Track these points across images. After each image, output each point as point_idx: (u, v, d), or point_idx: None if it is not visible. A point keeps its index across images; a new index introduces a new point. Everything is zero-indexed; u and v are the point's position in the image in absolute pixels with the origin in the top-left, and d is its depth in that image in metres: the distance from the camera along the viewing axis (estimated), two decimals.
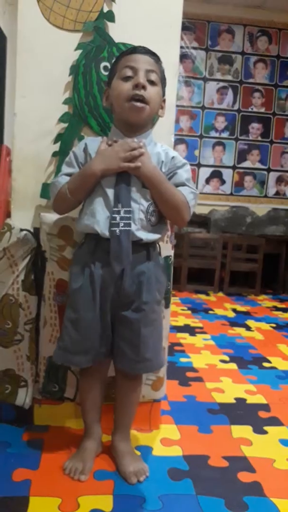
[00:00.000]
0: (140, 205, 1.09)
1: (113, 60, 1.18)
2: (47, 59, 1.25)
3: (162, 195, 1.09)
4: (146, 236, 1.10)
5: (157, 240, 1.16)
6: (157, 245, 1.19)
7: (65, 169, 1.15)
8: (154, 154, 1.13)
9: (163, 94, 1.15)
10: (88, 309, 1.10)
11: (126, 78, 1.08)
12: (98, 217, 1.08)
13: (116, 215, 1.06)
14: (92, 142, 1.15)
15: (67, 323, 1.13)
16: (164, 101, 1.17)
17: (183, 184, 1.12)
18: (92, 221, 1.09)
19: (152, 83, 1.09)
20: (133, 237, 1.08)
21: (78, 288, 1.11)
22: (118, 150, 1.07)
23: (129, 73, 1.07)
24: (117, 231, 1.06)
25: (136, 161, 1.06)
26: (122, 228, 1.06)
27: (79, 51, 1.25)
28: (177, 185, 1.11)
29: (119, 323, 1.13)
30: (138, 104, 1.06)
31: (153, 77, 1.09)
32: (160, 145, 1.17)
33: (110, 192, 1.08)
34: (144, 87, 1.06)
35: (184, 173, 1.13)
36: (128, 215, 1.07)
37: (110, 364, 1.23)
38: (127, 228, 1.06)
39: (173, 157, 1.14)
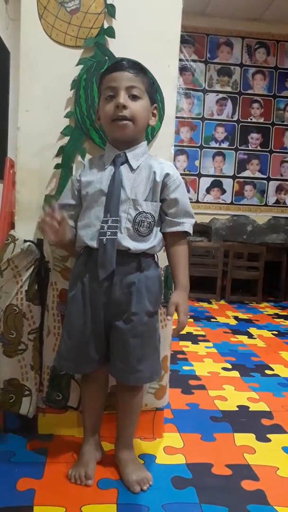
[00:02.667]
0: (127, 214, 1.10)
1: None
2: (49, 74, 1.28)
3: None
4: (133, 245, 1.10)
5: (150, 251, 1.14)
6: (154, 256, 1.18)
7: (60, 199, 1.20)
8: (146, 166, 1.14)
9: (153, 102, 1.17)
10: (78, 318, 1.13)
11: (109, 99, 1.10)
12: (90, 230, 1.11)
13: (105, 225, 1.09)
14: (87, 167, 1.19)
15: (63, 330, 1.19)
16: (155, 108, 1.18)
17: (180, 214, 1.14)
18: (85, 235, 1.12)
19: (134, 97, 1.10)
20: (119, 245, 1.09)
21: (71, 297, 1.15)
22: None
23: (110, 93, 1.10)
24: (104, 240, 1.08)
25: (184, 321, 1.12)
26: (109, 237, 1.08)
27: (81, 66, 1.28)
28: (176, 214, 1.14)
29: (112, 333, 1.14)
30: (120, 122, 1.09)
31: (136, 91, 1.10)
32: (155, 158, 1.18)
33: (102, 204, 1.11)
34: (125, 107, 1.08)
35: (181, 198, 1.14)
36: (115, 224, 1.09)
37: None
38: (113, 237, 1.08)
39: (168, 174, 1.13)
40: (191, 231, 1.16)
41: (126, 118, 1.09)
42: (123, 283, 1.11)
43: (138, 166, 1.13)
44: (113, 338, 1.14)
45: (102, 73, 1.16)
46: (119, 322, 1.12)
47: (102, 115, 1.13)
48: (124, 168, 1.13)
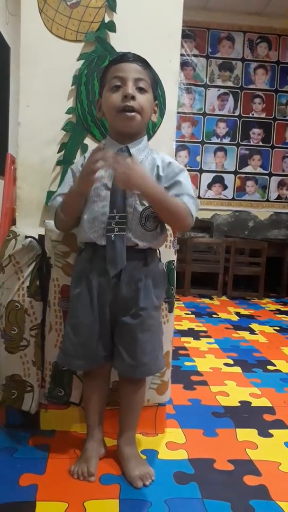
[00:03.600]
0: (134, 209, 1.10)
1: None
2: (50, 69, 1.27)
3: (161, 205, 1.07)
4: (141, 241, 1.11)
5: (155, 246, 1.16)
6: (157, 251, 1.20)
7: (59, 189, 1.19)
8: (148, 161, 1.14)
9: (155, 99, 1.16)
10: (86, 315, 1.13)
11: (115, 89, 1.09)
12: (95, 226, 1.10)
13: (112, 221, 1.08)
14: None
15: (68, 327, 1.17)
16: (156, 105, 1.18)
17: (183, 194, 1.11)
18: (90, 229, 1.11)
19: (141, 90, 1.09)
20: (128, 241, 1.09)
21: (77, 294, 1.14)
22: (85, 165, 1.08)
23: (117, 83, 1.08)
24: (112, 236, 1.08)
25: (125, 178, 1.02)
26: (117, 233, 1.08)
27: (81, 61, 1.27)
28: (177, 195, 1.11)
29: (118, 328, 1.14)
30: (128, 113, 1.08)
31: (143, 84, 1.09)
32: (156, 152, 1.18)
33: (106, 199, 1.10)
34: (133, 97, 1.07)
35: (183, 181, 1.12)
36: (123, 220, 1.08)
37: (111, 368, 1.25)
38: (122, 233, 1.08)
39: (169, 163, 1.14)
40: (194, 212, 1.11)
41: (133, 110, 1.08)
42: (131, 279, 1.11)
43: (141, 161, 1.13)
44: (120, 334, 1.14)
45: (108, 64, 1.14)
46: (126, 318, 1.12)
47: (107, 106, 1.11)
48: None
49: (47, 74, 1.27)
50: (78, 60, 1.27)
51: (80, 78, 1.27)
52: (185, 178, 1.13)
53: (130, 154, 1.12)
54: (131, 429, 1.24)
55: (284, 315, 3.35)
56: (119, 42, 1.27)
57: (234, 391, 1.81)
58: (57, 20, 1.26)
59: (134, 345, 1.12)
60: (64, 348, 1.17)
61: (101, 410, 1.27)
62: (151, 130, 1.31)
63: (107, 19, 1.27)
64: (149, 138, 1.31)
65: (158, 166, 1.13)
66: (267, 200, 4.65)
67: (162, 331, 1.22)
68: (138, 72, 1.09)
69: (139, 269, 1.12)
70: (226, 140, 4.55)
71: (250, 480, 1.20)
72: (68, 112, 1.28)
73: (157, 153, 1.17)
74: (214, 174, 4.57)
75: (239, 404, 1.69)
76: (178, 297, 3.74)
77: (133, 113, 1.08)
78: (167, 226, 1.25)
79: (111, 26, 1.27)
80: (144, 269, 1.13)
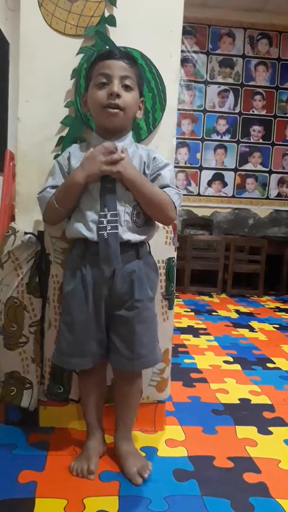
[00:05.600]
0: (125, 207, 1.10)
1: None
2: (49, 64, 1.26)
3: (145, 196, 1.10)
4: (133, 237, 1.11)
5: (147, 239, 1.17)
6: (147, 244, 1.21)
7: (49, 181, 1.17)
8: (136, 156, 1.14)
9: (140, 96, 1.17)
10: (81, 311, 1.12)
11: (101, 86, 1.09)
12: (86, 222, 1.10)
13: (103, 219, 1.08)
14: (75, 150, 1.17)
15: (62, 326, 1.16)
16: (141, 101, 1.18)
17: (167, 186, 1.13)
18: (81, 226, 1.11)
19: (127, 88, 1.09)
20: (120, 239, 1.09)
21: (71, 291, 1.13)
22: (96, 154, 1.08)
23: (103, 80, 1.08)
24: (105, 234, 1.07)
25: (118, 165, 1.07)
26: (110, 231, 1.07)
27: (81, 55, 1.26)
28: (161, 187, 1.12)
29: (114, 322, 1.14)
30: (111, 110, 1.08)
31: (128, 82, 1.09)
32: (141, 146, 1.19)
33: (96, 196, 1.10)
34: (118, 96, 1.07)
35: (167, 175, 1.14)
36: (114, 218, 1.08)
37: (107, 364, 1.24)
38: (114, 231, 1.08)
39: (154, 158, 1.15)
40: (177, 205, 1.13)
41: (118, 107, 1.08)
42: (124, 273, 1.11)
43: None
44: (116, 328, 1.14)
45: (95, 58, 1.14)
46: (121, 311, 1.12)
47: (92, 102, 1.11)
48: None
49: (47, 69, 1.26)
50: (77, 54, 1.26)
51: (80, 71, 1.26)
52: (169, 172, 1.15)
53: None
54: (127, 426, 1.24)
55: (283, 313, 3.35)
56: (119, 36, 1.26)
57: (234, 389, 1.81)
58: (57, 14, 1.25)
59: (132, 337, 1.12)
60: (59, 347, 1.16)
61: (100, 407, 1.26)
62: (151, 125, 1.30)
63: (107, 14, 1.26)
64: (149, 134, 1.31)
65: (145, 163, 1.14)
66: (267, 198, 4.65)
67: (157, 323, 1.22)
68: (124, 69, 1.09)
69: (132, 262, 1.13)
70: (226, 137, 4.54)
71: (249, 477, 1.20)
72: (67, 106, 1.27)
73: (143, 148, 1.18)
74: (214, 172, 4.57)
75: (238, 402, 1.69)
76: (177, 294, 3.74)
77: (116, 110, 1.08)
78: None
79: (111, 21, 1.26)
80: (137, 262, 1.13)
